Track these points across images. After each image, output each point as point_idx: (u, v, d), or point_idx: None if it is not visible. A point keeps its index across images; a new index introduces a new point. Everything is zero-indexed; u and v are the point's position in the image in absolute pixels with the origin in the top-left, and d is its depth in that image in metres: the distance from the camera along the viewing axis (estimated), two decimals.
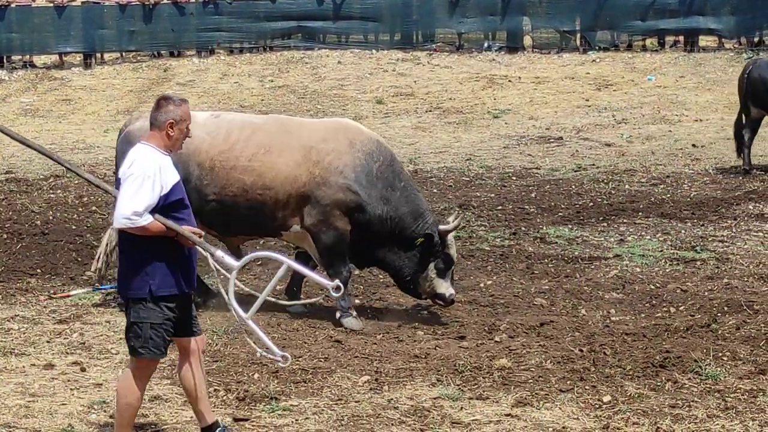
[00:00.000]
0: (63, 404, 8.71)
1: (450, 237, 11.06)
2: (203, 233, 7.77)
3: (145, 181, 7.22)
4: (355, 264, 11.34)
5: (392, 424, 8.35)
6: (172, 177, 7.39)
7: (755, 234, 14.49)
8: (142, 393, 7.54)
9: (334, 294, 7.66)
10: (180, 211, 7.44)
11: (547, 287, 12.24)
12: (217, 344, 10.22)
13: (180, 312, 7.55)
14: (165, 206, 7.32)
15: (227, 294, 7.55)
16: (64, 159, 8.53)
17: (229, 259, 7.67)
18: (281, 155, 10.84)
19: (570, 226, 14.95)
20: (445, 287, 11.02)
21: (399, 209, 10.99)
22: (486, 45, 30.93)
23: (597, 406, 8.61)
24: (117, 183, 7.54)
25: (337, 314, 10.98)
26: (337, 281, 7.69)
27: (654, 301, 11.63)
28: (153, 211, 7.26)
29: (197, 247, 7.53)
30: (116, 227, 7.36)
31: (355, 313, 10.96)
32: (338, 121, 11.74)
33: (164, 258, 7.38)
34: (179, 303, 7.52)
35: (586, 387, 8.99)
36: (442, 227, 11.01)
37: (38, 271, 13.06)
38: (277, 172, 10.85)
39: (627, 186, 17.59)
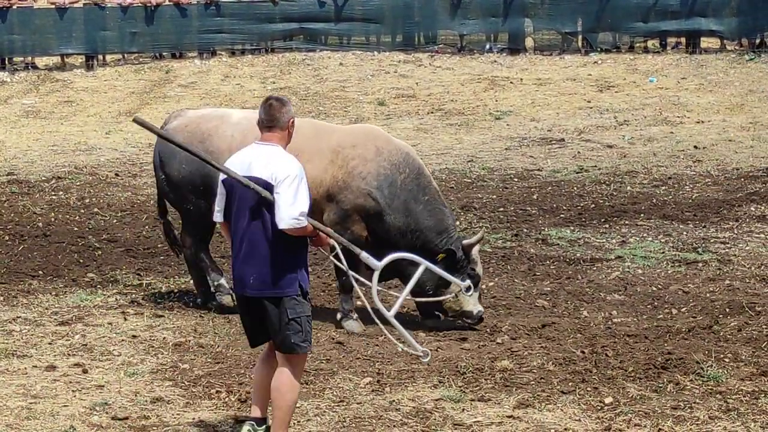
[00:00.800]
0: (65, 406, 8.72)
1: (475, 252, 10.90)
2: None
3: (301, 183, 7.55)
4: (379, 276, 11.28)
5: (394, 426, 8.36)
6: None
7: (757, 235, 14.48)
8: (298, 387, 7.86)
9: (465, 294, 9.25)
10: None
11: (548, 289, 12.25)
12: (218, 346, 10.23)
13: None
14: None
15: (371, 292, 8.10)
16: (209, 156, 8.74)
17: (373, 260, 8.13)
18: (310, 159, 10.56)
19: (572, 228, 14.95)
20: (472, 304, 10.83)
21: (421, 222, 10.88)
22: (487, 47, 30.93)
23: (599, 407, 8.62)
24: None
25: (338, 316, 10.98)
26: (468, 281, 9.15)
27: (656, 303, 11.64)
28: None
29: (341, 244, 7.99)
30: (283, 228, 7.49)
31: (356, 316, 10.93)
32: (368, 128, 11.67)
33: (304, 256, 7.77)
34: None
35: (588, 388, 9.00)
36: (465, 242, 10.87)
37: (40, 272, 13.06)
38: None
39: (629, 187, 17.59)
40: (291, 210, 7.46)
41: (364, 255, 8.13)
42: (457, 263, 10.77)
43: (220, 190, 7.87)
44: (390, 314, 8.15)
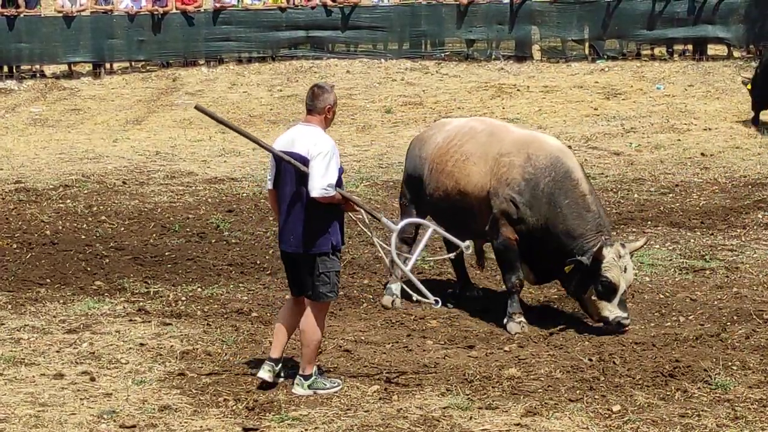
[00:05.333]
0: (73, 414, 8.73)
1: (609, 260, 10.77)
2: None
3: (332, 159, 8.89)
4: (536, 278, 11.56)
5: None
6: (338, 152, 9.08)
7: (764, 243, 14.48)
8: (323, 329, 9.37)
9: (466, 251, 10.02)
10: (340, 178, 9.06)
11: (556, 296, 12.24)
12: (226, 354, 10.24)
13: None
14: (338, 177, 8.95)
15: (390, 250, 9.54)
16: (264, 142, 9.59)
17: (390, 224, 9.41)
18: (476, 164, 11.38)
19: None
20: (608, 310, 10.84)
21: (556, 226, 10.97)
22: (491, 53, 30.91)
23: (606, 415, 8.61)
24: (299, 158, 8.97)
25: (505, 320, 11.21)
26: (468, 242, 9.92)
27: (663, 311, 11.63)
28: None
29: (361, 210, 9.28)
30: (314, 197, 8.84)
31: (519, 319, 11.13)
32: (530, 135, 11.70)
33: (337, 219, 9.13)
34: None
35: (596, 396, 8.99)
36: (596, 251, 10.77)
37: (48, 280, 13.08)
38: (468, 180, 11.41)
39: (636, 195, 17.58)
40: (321, 181, 8.81)
41: (384, 220, 9.35)
42: (586, 272, 10.82)
43: (271, 163, 9.33)
44: (407, 268, 9.60)
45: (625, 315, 10.86)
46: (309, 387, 9.21)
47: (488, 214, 11.25)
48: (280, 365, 9.42)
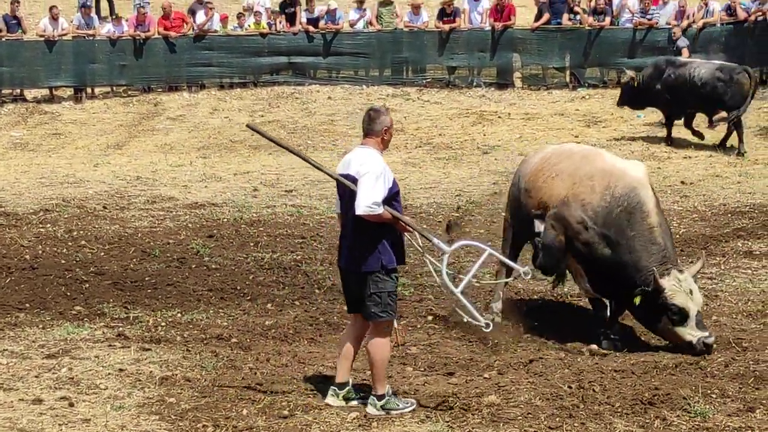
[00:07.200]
0: None
1: (670, 287, 10.87)
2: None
3: (378, 178, 9.04)
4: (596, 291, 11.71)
5: None
6: (392, 173, 9.24)
7: (744, 271, 14.52)
8: (390, 346, 9.46)
9: (524, 277, 10.14)
10: (396, 199, 9.29)
11: (537, 324, 12.25)
12: (205, 380, 10.20)
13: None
14: (389, 197, 9.11)
15: (441, 272, 9.58)
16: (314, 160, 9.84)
17: (443, 245, 9.52)
18: (563, 180, 11.68)
19: None
20: (689, 335, 10.88)
21: (622, 256, 11.10)
22: (472, 81, 30.99)
23: None
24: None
25: (600, 337, 11.44)
26: (528, 267, 10.23)
27: (643, 338, 11.64)
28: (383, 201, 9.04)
29: (415, 231, 9.42)
30: (359, 214, 8.98)
31: (614, 336, 11.44)
32: (616, 164, 11.80)
33: (388, 239, 9.21)
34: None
35: (575, 424, 8.99)
36: (654, 282, 10.87)
37: (27, 305, 13.03)
38: (552, 193, 11.69)
39: None
40: (366, 199, 8.95)
41: (435, 241, 9.48)
42: (653, 304, 10.95)
43: (337, 188, 9.50)
44: (458, 290, 9.69)
45: (707, 333, 10.92)
46: (382, 407, 9.29)
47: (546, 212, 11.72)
48: (347, 388, 9.54)
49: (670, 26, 29.79)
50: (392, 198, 9.19)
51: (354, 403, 9.48)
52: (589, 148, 12.62)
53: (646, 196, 11.31)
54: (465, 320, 10.06)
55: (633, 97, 25.83)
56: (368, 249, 9.17)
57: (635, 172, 11.61)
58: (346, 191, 9.25)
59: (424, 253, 9.74)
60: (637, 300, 10.98)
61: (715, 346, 10.88)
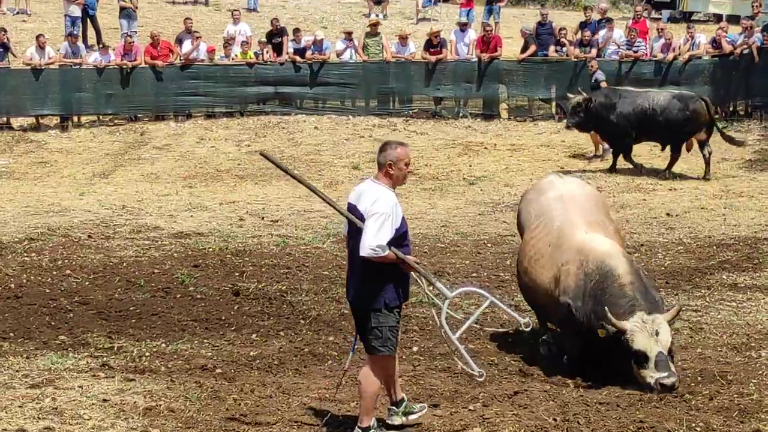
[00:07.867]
0: None
1: (631, 328, 10.83)
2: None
3: (386, 220, 8.99)
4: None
5: None
6: (401, 212, 9.21)
7: (729, 304, 14.54)
8: (381, 383, 9.40)
9: (524, 329, 9.97)
10: (405, 239, 9.26)
11: (522, 355, 12.25)
12: (189, 410, 10.18)
13: None
14: (396, 237, 9.07)
15: (440, 316, 9.50)
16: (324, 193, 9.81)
17: (446, 289, 9.47)
18: (547, 269, 11.92)
19: None
20: (649, 376, 10.81)
21: (600, 318, 11.02)
22: (459, 111, 31.08)
23: None
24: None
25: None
26: (527, 318, 10.07)
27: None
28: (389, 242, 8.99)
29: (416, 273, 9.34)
30: (362, 255, 8.98)
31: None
32: (585, 240, 11.79)
33: (392, 278, 9.19)
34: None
35: None
36: (615, 325, 10.89)
37: (11, 334, 12.99)
38: (542, 280, 11.97)
39: None
40: (371, 241, 8.93)
41: (439, 285, 9.47)
42: (618, 349, 10.96)
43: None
44: (455, 336, 9.57)
45: (665, 374, 10.75)
46: None
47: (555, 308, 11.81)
48: (404, 404, 9.75)
49: (656, 58, 30.00)
50: (400, 237, 9.16)
51: (414, 417, 9.75)
52: (566, 216, 12.36)
53: (617, 262, 11.34)
54: (459, 367, 10.14)
55: (583, 121, 26.00)
56: (373, 287, 9.19)
57: (604, 244, 11.69)
58: (353, 227, 9.24)
59: (428, 293, 9.72)
60: (601, 333, 10.93)
61: (677, 386, 10.75)
